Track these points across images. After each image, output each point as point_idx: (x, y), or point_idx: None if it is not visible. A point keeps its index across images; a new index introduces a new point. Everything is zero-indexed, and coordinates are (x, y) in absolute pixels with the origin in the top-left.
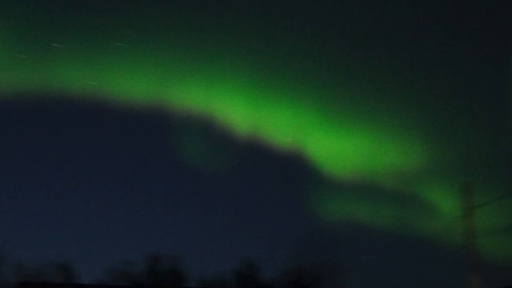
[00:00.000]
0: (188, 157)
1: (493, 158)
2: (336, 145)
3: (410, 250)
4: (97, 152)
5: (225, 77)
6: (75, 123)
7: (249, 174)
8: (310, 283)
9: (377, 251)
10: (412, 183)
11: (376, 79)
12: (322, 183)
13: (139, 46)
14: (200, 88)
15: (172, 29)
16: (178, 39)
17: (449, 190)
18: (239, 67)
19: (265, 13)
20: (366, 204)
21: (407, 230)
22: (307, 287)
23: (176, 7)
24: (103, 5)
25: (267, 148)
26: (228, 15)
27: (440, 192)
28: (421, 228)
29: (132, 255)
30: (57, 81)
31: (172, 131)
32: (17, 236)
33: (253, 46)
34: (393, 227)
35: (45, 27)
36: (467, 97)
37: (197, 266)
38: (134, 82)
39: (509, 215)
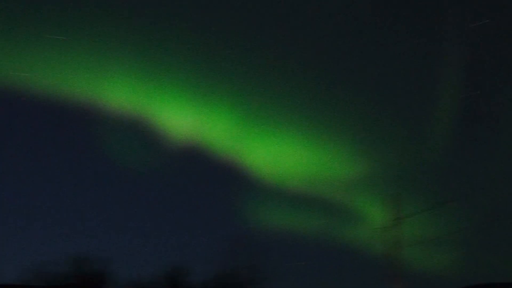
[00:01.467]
0: (120, 158)
1: (421, 170)
2: (272, 152)
3: (337, 257)
4: (22, 148)
5: (165, 79)
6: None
7: (183, 178)
8: None
9: (306, 257)
10: (345, 191)
11: (314, 89)
12: (257, 189)
13: (79, 40)
14: (138, 88)
15: (113, 26)
16: (118, 36)
17: (380, 201)
18: (179, 69)
19: (208, 13)
20: (298, 211)
21: (336, 238)
22: None
23: (117, 3)
24: None
25: (203, 152)
26: (171, 16)
27: (371, 202)
28: (349, 237)
29: (56, 256)
30: None
31: (105, 130)
32: None
33: (195, 49)
34: (322, 234)
35: None
36: (400, 107)
37: (124, 269)
38: (70, 77)
39: (433, 227)
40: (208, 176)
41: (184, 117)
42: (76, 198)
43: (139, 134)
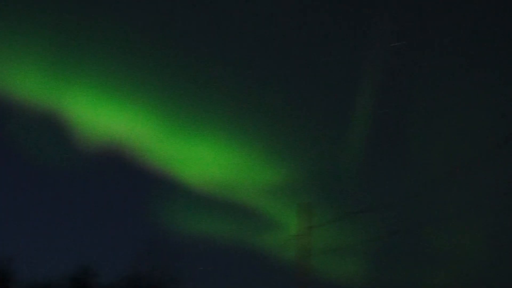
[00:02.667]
0: (30, 153)
1: (335, 180)
2: (190, 155)
3: (248, 263)
4: None
5: (83, 76)
6: None
7: (96, 179)
8: None
9: (217, 262)
10: (260, 197)
11: (235, 94)
12: (172, 192)
13: None
14: (55, 83)
15: (26, 15)
16: (38, 28)
17: (294, 208)
18: (99, 68)
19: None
20: (212, 215)
21: (248, 244)
22: None
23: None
24: None
25: (119, 152)
26: (89, 7)
27: (285, 209)
28: (262, 243)
29: None
30: None
31: (16, 124)
32: None
33: (115, 47)
34: (235, 239)
35: None
36: (318, 118)
37: (27, 269)
38: None
39: (344, 237)
40: (123, 177)
41: (103, 116)
42: None
43: (52, 130)
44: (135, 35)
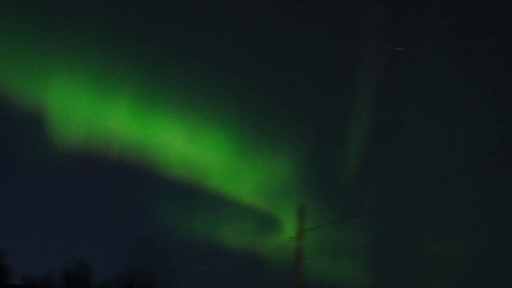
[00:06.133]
0: (25, 150)
1: (331, 182)
2: (188, 151)
3: (244, 264)
4: None
5: (59, 65)
6: None
7: (90, 174)
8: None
9: (213, 262)
10: (259, 199)
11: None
12: (167, 189)
13: None
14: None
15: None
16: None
17: (290, 210)
18: (79, 61)
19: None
20: (210, 215)
21: (245, 245)
22: None
23: None
24: None
25: (115, 151)
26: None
27: (282, 211)
28: (259, 244)
29: None
30: None
31: (6, 120)
32: None
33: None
34: (234, 240)
35: None
36: (317, 121)
37: (23, 263)
38: None
39: (338, 240)
40: (118, 174)
41: (94, 112)
42: None
43: (37, 126)
44: (125, 30)
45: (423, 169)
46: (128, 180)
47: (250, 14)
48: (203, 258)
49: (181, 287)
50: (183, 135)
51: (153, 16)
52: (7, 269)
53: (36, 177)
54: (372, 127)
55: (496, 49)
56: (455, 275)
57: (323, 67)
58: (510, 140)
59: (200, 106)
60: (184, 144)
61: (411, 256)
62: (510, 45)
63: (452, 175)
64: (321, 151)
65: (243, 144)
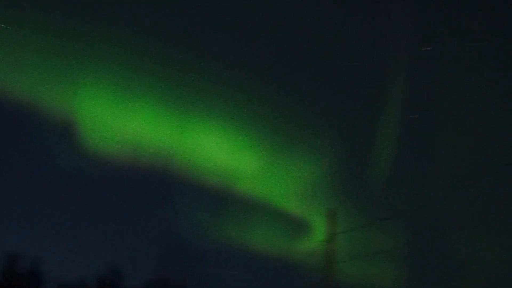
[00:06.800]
0: (58, 158)
1: (361, 185)
2: (219, 156)
3: (275, 268)
4: None
5: (96, 79)
6: None
7: (122, 181)
8: None
9: (243, 267)
10: (289, 203)
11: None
12: (199, 195)
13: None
14: (67, 88)
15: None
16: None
17: (321, 214)
18: (107, 70)
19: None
20: (241, 220)
21: (278, 250)
22: None
23: None
24: None
25: (142, 156)
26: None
27: (313, 215)
28: (289, 248)
29: None
30: None
31: (42, 130)
32: None
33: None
34: (264, 245)
35: None
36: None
37: (57, 270)
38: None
39: (370, 243)
40: (151, 182)
41: (121, 121)
42: (10, 196)
43: (69, 135)
44: (148, 38)
45: (454, 171)
46: (159, 186)
47: (277, 19)
48: (233, 263)
49: None
50: (213, 140)
51: (183, 23)
52: (42, 276)
53: (69, 185)
54: (401, 129)
55: None
56: (487, 277)
57: (352, 69)
58: None
59: (229, 111)
60: (214, 149)
61: (443, 259)
62: None
63: (484, 177)
64: (351, 154)
65: (273, 148)
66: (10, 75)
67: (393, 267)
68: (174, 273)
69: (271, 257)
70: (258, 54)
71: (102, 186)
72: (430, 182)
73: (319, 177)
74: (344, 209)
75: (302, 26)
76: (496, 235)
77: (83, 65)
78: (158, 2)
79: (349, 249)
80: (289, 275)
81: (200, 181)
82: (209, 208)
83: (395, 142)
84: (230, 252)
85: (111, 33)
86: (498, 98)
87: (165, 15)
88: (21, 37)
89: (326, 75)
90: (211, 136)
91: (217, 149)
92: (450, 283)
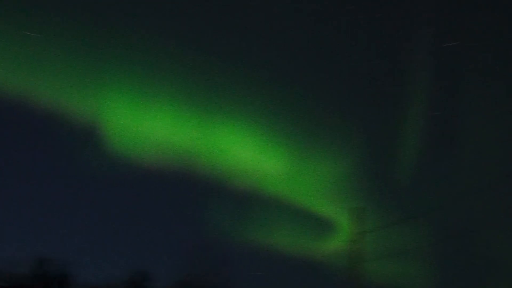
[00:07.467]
0: (84, 160)
1: (387, 183)
2: (246, 157)
3: (301, 269)
4: None
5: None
6: None
7: (148, 184)
8: None
9: (269, 268)
10: (314, 202)
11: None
12: (223, 195)
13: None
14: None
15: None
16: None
17: (347, 213)
18: (129, 72)
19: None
20: (265, 220)
21: (304, 250)
22: None
23: None
24: None
25: (166, 157)
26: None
27: (339, 214)
28: (315, 248)
29: (18, 256)
30: None
31: (72, 133)
32: None
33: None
34: (290, 245)
35: None
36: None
37: (84, 273)
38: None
39: (399, 242)
40: (173, 183)
41: (146, 123)
42: (41, 199)
43: (94, 138)
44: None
45: (482, 168)
46: (185, 189)
47: (301, 19)
48: (259, 264)
49: None
50: (237, 141)
51: (205, 26)
52: (69, 278)
53: (95, 189)
54: (428, 126)
55: None
56: None
57: (374, 67)
58: None
59: (253, 112)
60: (238, 150)
61: (471, 258)
62: None
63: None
64: (376, 152)
65: (298, 148)
66: (37, 81)
67: (420, 267)
68: (200, 274)
69: (297, 258)
70: (282, 54)
71: (128, 190)
72: (457, 179)
73: (344, 176)
74: (371, 208)
75: (325, 26)
76: None
77: (107, 70)
78: (180, 6)
79: (376, 248)
80: (315, 276)
81: (224, 182)
82: (234, 209)
83: (421, 139)
84: (255, 253)
85: (134, 38)
86: None
87: (188, 18)
88: (49, 44)
89: (349, 73)
90: (235, 137)
91: (241, 150)
92: (479, 282)
